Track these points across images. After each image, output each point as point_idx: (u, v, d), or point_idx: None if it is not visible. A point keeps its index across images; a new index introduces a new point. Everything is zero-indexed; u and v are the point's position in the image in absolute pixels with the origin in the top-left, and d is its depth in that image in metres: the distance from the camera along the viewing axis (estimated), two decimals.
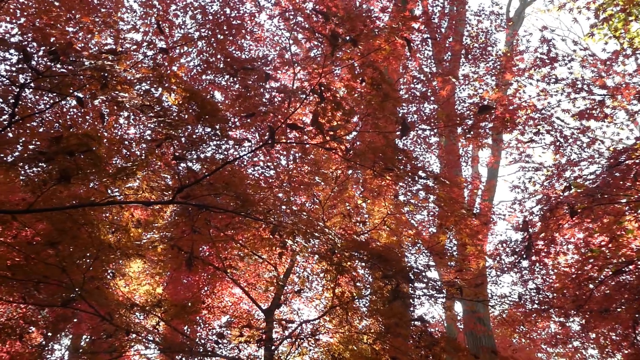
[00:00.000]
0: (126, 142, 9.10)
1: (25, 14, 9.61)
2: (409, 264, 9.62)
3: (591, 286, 9.68)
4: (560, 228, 9.96)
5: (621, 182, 8.35)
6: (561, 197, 9.26)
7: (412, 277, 7.51)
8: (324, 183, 10.53)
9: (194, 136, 6.62)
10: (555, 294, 10.54)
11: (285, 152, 11.04)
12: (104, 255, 8.04)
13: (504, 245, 11.42)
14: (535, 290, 11.26)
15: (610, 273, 9.40)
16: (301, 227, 7.02)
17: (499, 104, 12.35)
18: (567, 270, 10.58)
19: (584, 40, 12.80)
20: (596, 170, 9.71)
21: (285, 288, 11.57)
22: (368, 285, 10.21)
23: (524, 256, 10.36)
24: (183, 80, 7.47)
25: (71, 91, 5.63)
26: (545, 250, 10.56)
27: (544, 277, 11.46)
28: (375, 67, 6.97)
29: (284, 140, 8.77)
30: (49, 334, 12.84)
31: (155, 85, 6.16)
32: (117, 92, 5.65)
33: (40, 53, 5.71)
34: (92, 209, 7.37)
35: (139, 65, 8.72)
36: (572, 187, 9.03)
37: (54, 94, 6.44)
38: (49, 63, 5.45)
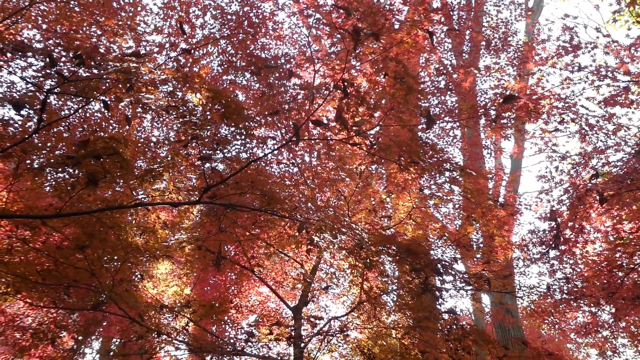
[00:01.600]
0: (151, 144, 9.13)
1: (47, 20, 9.69)
2: (436, 257, 9.56)
3: (621, 274, 9.58)
4: (588, 216, 9.85)
5: None
6: (589, 185, 9.17)
7: (442, 270, 7.45)
8: (348, 179, 10.50)
9: (219, 135, 6.62)
10: (585, 283, 10.43)
11: (308, 149, 11.02)
12: (132, 258, 8.10)
13: (533, 235, 11.32)
14: (564, 280, 11.13)
15: None
16: (328, 223, 7.00)
17: (522, 93, 12.21)
18: (595, 260, 10.46)
19: (604, 27, 12.66)
20: (623, 157, 9.60)
21: (312, 285, 11.55)
22: (395, 280, 10.16)
23: (554, 246, 10.25)
24: (206, 81, 7.49)
25: (97, 95, 5.65)
26: (574, 239, 10.44)
27: (572, 266, 11.34)
28: (399, 61, 6.93)
29: (308, 137, 8.76)
30: (80, 337, 12.91)
31: (179, 86, 6.17)
32: (142, 94, 5.65)
33: (64, 58, 5.73)
34: (119, 212, 7.42)
35: (163, 67, 8.74)
36: (599, 175, 8.95)
37: (79, 98, 6.48)
38: (73, 68, 5.47)
